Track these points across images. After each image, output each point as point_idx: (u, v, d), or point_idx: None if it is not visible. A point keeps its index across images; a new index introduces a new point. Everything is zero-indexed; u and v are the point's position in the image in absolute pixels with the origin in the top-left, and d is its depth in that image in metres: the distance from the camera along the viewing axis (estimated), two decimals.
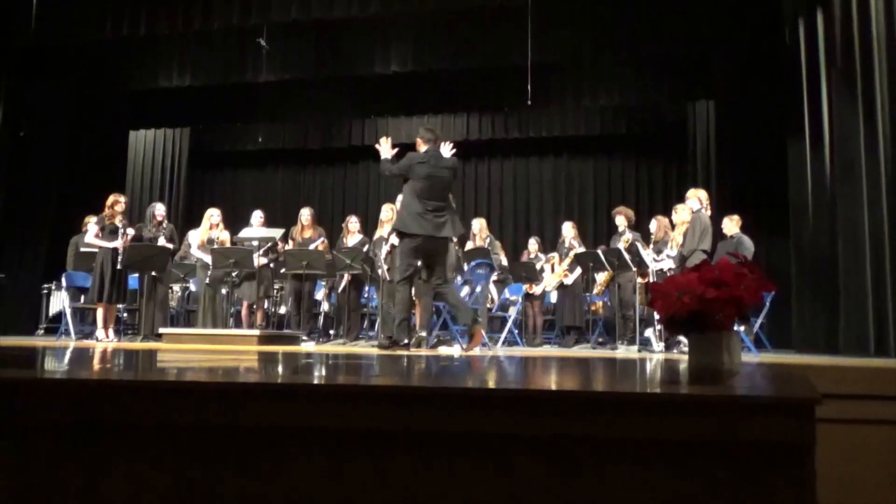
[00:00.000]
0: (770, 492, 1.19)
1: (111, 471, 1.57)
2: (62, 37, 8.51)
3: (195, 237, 7.70)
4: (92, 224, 6.90)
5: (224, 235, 7.53)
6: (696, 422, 1.21)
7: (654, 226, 6.99)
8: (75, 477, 1.59)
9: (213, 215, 7.61)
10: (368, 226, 12.49)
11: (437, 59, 8.96)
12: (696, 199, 6.32)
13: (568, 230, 7.95)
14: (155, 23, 8.29)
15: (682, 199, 10.97)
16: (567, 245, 7.82)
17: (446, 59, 8.92)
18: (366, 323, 7.99)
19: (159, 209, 7.27)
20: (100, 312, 6.76)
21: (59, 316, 7.78)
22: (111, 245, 6.71)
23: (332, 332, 8.08)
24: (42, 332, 8.31)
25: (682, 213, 6.41)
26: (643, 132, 11.29)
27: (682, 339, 5.52)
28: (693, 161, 10.14)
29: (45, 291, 8.37)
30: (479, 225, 7.92)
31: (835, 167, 5.76)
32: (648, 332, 6.52)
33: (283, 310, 8.23)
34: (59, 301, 7.76)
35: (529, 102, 8.10)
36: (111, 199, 6.98)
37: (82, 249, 7.30)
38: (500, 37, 8.50)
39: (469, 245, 7.75)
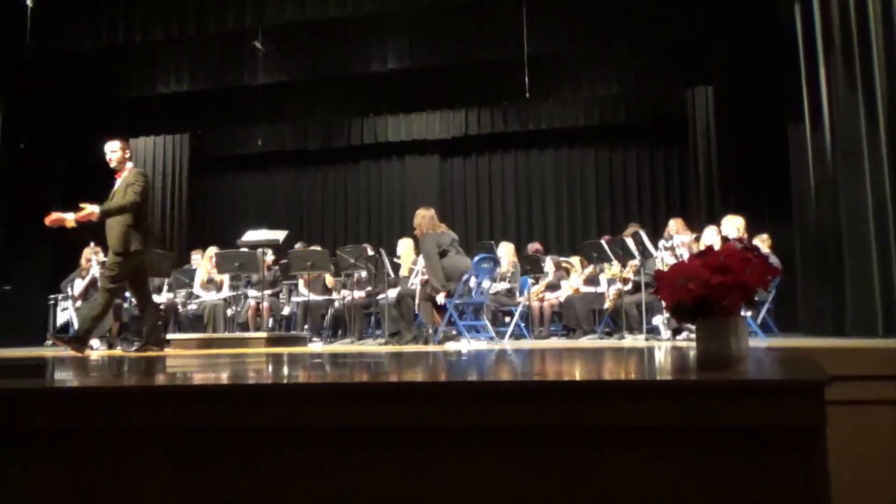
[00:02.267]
0: (783, 474, 1.20)
1: (121, 475, 1.58)
2: (58, 47, 8.51)
3: (198, 275, 7.91)
4: (78, 279, 7.49)
5: (221, 276, 7.71)
6: (707, 407, 1.21)
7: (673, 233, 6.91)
8: (84, 482, 1.60)
9: (213, 256, 7.75)
10: (371, 224, 12.54)
11: (434, 55, 8.94)
12: (734, 228, 6.22)
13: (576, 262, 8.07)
14: (150, 29, 8.29)
15: (684, 188, 11.06)
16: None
17: (443, 54, 8.90)
18: (372, 322, 8.00)
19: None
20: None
21: (67, 326, 7.81)
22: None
23: (339, 331, 8.10)
24: (50, 342, 8.32)
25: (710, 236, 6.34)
26: (642, 120, 11.26)
27: (691, 326, 5.51)
28: (693, 147, 10.11)
29: (52, 302, 8.38)
30: (506, 248, 7.85)
31: (836, 148, 5.74)
32: (657, 320, 6.51)
33: (286, 311, 8.24)
34: (67, 311, 7.79)
35: (528, 95, 8.09)
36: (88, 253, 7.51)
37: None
38: (495, 30, 8.48)
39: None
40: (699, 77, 9.44)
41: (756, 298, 2.95)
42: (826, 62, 5.90)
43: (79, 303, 7.36)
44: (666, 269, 2.49)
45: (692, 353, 3.00)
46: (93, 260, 7.47)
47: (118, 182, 5.09)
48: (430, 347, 5.35)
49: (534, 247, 9.42)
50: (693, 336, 5.57)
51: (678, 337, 6.10)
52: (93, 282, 7.42)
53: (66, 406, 1.68)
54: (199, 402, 1.51)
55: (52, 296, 8.39)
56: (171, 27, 8.24)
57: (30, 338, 8.70)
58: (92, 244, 7.58)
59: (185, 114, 10.66)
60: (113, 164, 5.11)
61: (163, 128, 11.29)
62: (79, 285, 7.38)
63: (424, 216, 6.24)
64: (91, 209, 4.93)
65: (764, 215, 7.84)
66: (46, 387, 1.93)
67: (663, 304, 5.44)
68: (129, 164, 5.19)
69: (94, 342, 6.97)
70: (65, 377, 2.51)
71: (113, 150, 5.13)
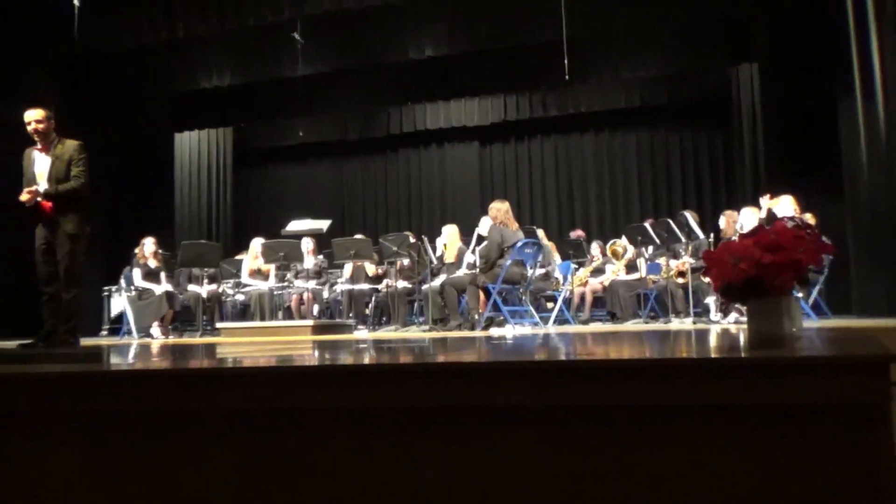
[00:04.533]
0: (845, 452, 1.17)
1: (178, 454, 1.63)
2: (104, 45, 8.71)
3: (245, 264, 8.13)
4: (136, 269, 7.61)
5: (267, 266, 7.87)
6: (764, 385, 1.19)
7: (722, 222, 6.77)
8: (144, 461, 1.65)
9: (257, 246, 7.89)
10: (411, 212, 12.60)
11: (471, 41, 8.90)
12: (789, 206, 6.00)
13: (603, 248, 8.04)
14: (191, 25, 8.43)
15: (729, 170, 10.81)
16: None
17: (480, 39, 8.85)
18: (415, 309, 8.05)
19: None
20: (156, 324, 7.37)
21: (121, 316, 8.05)
22: (161, 288, 7.48)
23: (383, 319, 8.18)
24: (105, 332, 8.59)
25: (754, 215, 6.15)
26: (685, 101, 11.03)
27: (741, 307, 5.42)
28: (738, 127, 9.87)
29: (106, 293, 8.64)
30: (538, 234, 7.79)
31: (889, 118, 5.55)
32: (709, 300, 6.40)
33: (326, 294, 8.32)
34: (121, 302, 8.03)
35: (567, 78, 7.98)
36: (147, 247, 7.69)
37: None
38: (533, 13, 8.38)
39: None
40: (743, 54, 9.19)
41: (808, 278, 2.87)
42: (878, 30, 5.70)
43: (133, 293, 7.58)
44: None
45: (743, 335, 2.95)
46: (149, 251, 7.67)
47: (47, 157, 4.51)
48: (475, 333, 5.37)
49: (576, 233, 9.35)
50: (743, 318, 5.47)
51: (727, 319, 6.00)
52: (149, 273, 7.57)
53: (125, 390, 1.73)
54: (256, 385, 1.54)
55: (106, 287, 8.64)
56: (212, 22, 8.37)
57: (85, 328, 8.98)
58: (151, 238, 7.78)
59: (227, 108, 10.84)
60: (38, 137, 4.53)
61: (206, 122, 11.51)
62: (137, 275, 7.56)
63: (500, 209, 6.33)
64: (36, 189, 4.43)
65: (813, 194, 7.63)
66: (105, 370, 2.00)
67: (712, 285, 5.35)
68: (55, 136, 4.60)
69: (155, 331, 7.21)
70: (121, 362, 2.59)
71: (39, 119, 4.51)
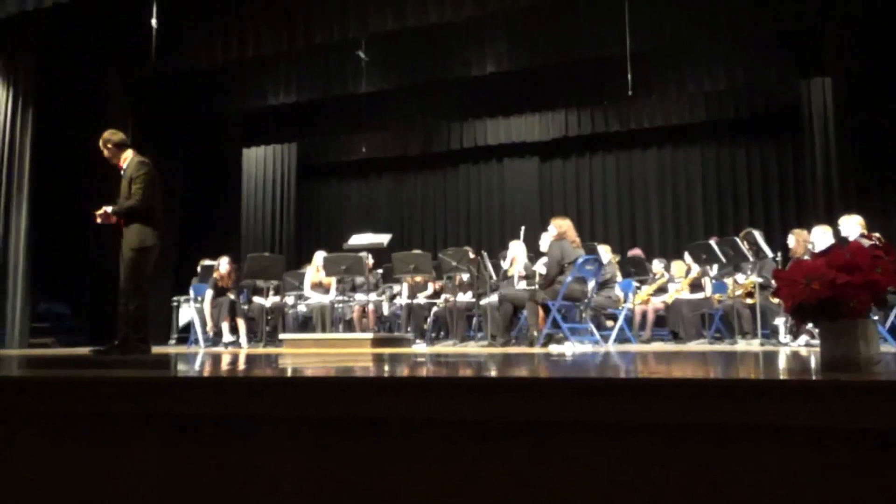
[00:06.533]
0: None
1: (242, 458, 1.66)
2: (178, 65, 9.07)
3: (308, 277, 8.28)
4: (208, 289, 7.77)
5: (329, 279, 7.97)
6: (843, 409, 1.14)
7: (791, 241, 6.56)
8: (210, 462, 1.69)
9: (319, 259, 8.05)
10: (470, 227, 12.63)
11: (533, 57, 8.88)
12: (856, 226, 5.80)
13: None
14: (261, 44, 8.68)
15: (799, 187, 10.45)
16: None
17: (542, 55, 8.82)
18: (474, 324, 8.04)
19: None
20: (225, 325, 7.52)
21: (189, 326, 8.31)
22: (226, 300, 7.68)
23: (441, 333, 8.20)
24: (174, 340, 8.88)
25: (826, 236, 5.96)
26: (753, 116, 10.75)
27: (811, 329, 5.23)
28: (810, 143, 9.54)
29: (175, 304, 8.93)
30: (604, 250, 7.69)
31: None
32: (778, 321, 6.18)
33: (385, 309, 8.39)
34: (189, 312, 8.29)
35: (630, 93, 7.90)
36: (222, 266, 7.84)
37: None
38: (596, 28, 8.33)
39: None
40: (815, 67, 8.90)
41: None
42: None
43: (200, 305, 7.82)
44: None
45: (815, 358, 2.84)
46: (224, 269, 7.87)
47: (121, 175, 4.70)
48: (535, 350, 5.33)
49: (634, 252, 9.18)
50: (814, 341, 5.27)
51: (797, 342, 5.78)
52: (220, 292, 7.75)
53: (191, 395, 1.79)
54: (318, 394, 1.57)
55: (174, 298, 8.94)
56: (280, 41, 8.60)
57: (154, 336, 9.28)
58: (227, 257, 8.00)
59: (293, 124, 11.12)
60: (107, 156, 4.69)
61: (272, 138, 11.83)
62: (208, 295, 7.73)
63: (562, 225, 6.41)
64: (104, 209, 4.59)
65: (891, 213, 7.31)
66: (172, 377, 2.07)
67: (781, 305, 5.15)
68: (128, 154, 4.72)
69: (228, 337, 7.41)
70: (188, 369, 2.68)
71: (99, 146, 4.68)
